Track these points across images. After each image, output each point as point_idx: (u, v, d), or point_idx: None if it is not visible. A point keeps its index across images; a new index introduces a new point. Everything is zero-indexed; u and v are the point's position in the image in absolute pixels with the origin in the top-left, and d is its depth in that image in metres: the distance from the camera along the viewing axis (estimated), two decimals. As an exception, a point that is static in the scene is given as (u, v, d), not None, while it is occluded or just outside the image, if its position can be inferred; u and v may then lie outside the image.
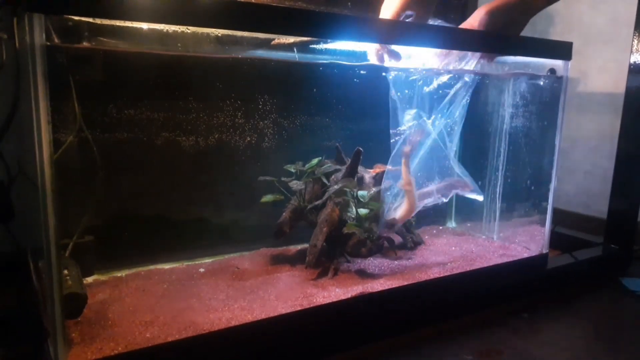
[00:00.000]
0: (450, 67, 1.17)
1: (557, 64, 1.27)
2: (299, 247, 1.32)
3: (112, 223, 1.13)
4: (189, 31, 0.92)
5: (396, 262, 1.21)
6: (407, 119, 1.16)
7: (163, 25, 0.85)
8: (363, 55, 1.12)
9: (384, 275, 1.13)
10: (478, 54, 1.15)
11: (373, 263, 1.19)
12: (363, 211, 1.15)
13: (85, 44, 0.92)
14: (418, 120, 1.16)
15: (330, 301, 0.98)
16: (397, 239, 1.34)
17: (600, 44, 1.78)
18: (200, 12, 0.78)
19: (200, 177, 1.24)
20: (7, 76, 0.99)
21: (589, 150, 1.85)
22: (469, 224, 1.58)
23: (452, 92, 1.20)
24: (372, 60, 1.07)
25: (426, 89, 1.18)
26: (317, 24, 0.90)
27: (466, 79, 1.21)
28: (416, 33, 1.03)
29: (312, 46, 1.12)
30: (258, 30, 0.89)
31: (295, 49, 1.10)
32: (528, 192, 1.39)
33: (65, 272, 0.85)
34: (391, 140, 1.16)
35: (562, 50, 1.24)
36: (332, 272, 1.12)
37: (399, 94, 1.16)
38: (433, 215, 1.62)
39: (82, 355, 0.76)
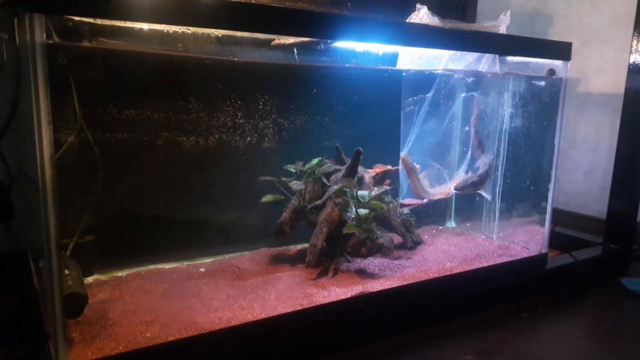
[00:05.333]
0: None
1: (557, 64, 1.27)
2: (299, 247, 1.32)
3: (112, 223, 1.13)
4: (189, 32, 0.92)
5: (396, 262, 1.21)
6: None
7: (163, 25, 0.85)
8: (361, 56, 1.12)
9: (384, 275, 1.13)
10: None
11: (373, 263, 1.19)
12: (363, 211, 1.15)
13: (85, 44, 0.92)
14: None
15: (330, 301, 0.98)
16: (397, 239, 1.34)
17: (600, 44, 1.78)
18: (201, 12, 0.79)
19: (200, 177, 1.24)
20: (8, 76, 0.99)
21: (588, 150, 1.85)
22: (468, 224, 1.58)
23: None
24: None
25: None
26: (317, 25, 0.90)
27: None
28: (417, 34, 1.03)
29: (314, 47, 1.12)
30: (258, 30, 0.89)
31: (295, 50, 1.10)
32: (527, 192, 1.39)
33: (66, 271, 0.85)
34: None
35: (562, 50, 1.24)
36: (332, 272, 1.13)
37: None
38: (433, 215, 1.62)
39: (83, 355, 0.76)
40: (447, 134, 1.35)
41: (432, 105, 1.20)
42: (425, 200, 1.23)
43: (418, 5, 1.13)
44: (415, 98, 1.18)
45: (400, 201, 1.18)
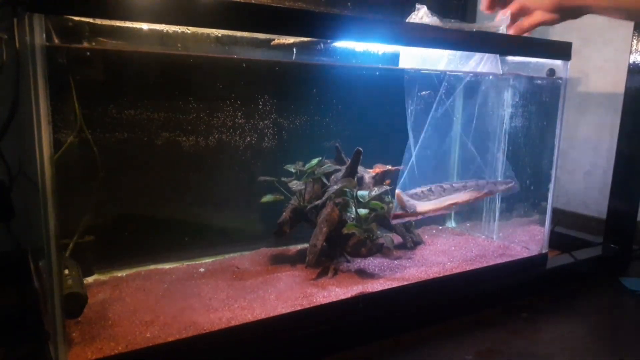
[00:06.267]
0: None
1: (557, 64, 1.27)
2: (299, 247, 1.32)
3: (112, 223, 1.13)
4: (189, 31, 0.92)
5: (396, 262, 1.21)
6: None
7: (163, 25, 0.85)
8: (361, 56, 1.12)
9: (384, 275, 1.13)
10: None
11: (373, 263, 1.19)
12: (363, 211, 1.15)
13: (85, 44, 0.92)
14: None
15: (330, 301, 0.98)
16: (397, 239, 1.34)
17: (600, 44, 1.78)
18: (201, 12, 0.79)
19: (200, 177, 1.24)
20: (7, 76, 0.99)
21: (588, 150, 1.85)
22: (468, 224, 1.58)
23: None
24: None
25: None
26: (317, 25, 0.90)
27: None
28: (417, 34, 1.03)
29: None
30: (258, 30, 0.89)
31: (294, 50, 1.10)
32: (527, 192, 1.39)
33: (66, 272, 0.85)
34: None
35: (562, 50, 1.24)
36: (332, 272, 1.13)
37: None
38: (433, 215, 1.62)
39: (83, 355, 0.76)
40: (452, 140, 1.35)
41: (438, 107, 1.20)
42: (419, 216, 1.19)
43: (417, 5, 1.13)
44: (414, 99, 1.17)
45: (393, 212, 1.15)
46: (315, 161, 1.22)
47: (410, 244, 1.34)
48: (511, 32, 1.12)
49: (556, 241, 1.43)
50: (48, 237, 0.72)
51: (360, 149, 1.17)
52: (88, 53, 1.01)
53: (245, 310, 0.93)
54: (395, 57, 1.21)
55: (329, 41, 1.06)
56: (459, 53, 1.16)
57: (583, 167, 1.87)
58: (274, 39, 1.07)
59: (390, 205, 1.29)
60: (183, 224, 1.23)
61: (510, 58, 1.26)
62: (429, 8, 1.13)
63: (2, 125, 1.02)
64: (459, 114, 1.37)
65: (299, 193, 1.22)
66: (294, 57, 1.06)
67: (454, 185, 1.26)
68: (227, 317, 0.89)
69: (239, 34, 0.98)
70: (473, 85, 1.30)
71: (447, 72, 1.19)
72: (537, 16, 1.07)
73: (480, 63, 1.18)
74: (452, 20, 1.12)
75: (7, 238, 1.12)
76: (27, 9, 0.67)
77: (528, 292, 1.28)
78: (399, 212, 1.14)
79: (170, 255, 1.21)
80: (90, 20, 0.80)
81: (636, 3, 0.89)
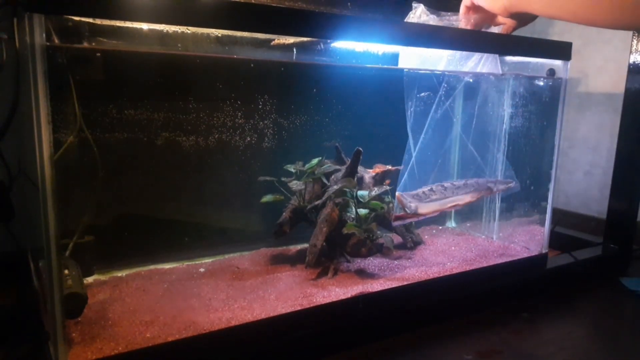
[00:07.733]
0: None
1: (557, 64, 1.27)
2: (299, 247, 1.32)
3: (112, 223, 1.13)
4: (189, 31, 0.92)
5: (396, 262, 1.21)
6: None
7: (163, 25, 0.86)
8: (361, 56, 1.12)
9: (383, 275, 1.13)
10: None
11: (373, 263, 1.19)
12: (363, 211, 1.15)
13: (85, 44, 0.92)
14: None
15: (330, 301, 0.98)
16: (397, 239, 1.34)
17: (600, 44, 1.78)
18: (201, 12, 0.79)
19: (200, 177, 1.24)
20: (7, 76, 0.99)
21: (588, 150, 1.85)
22: (468, 224, 1.58)
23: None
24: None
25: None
26: (317, 25, 0.90)
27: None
28: (417, 34, 1.03)
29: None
30: (258, 30, 0.89)
31: (294, 50, 1.10)
32: (527, 192, 1.39)
33: (66, 272, 0.85)
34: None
35: (562, 50, 1.24)
36: (332, 272, 1.13)
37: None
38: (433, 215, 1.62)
39: (83, 355, 0.76)
40: (452, 141, 1.35)
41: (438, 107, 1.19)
42: (421, 217, 1.19)
43: (414, 4, 1.13)
44: (414, 100, 1.17)
45: (395, 214, 1.15)
46: (315, 161, 1.22)
47: (410, 244, 1.34)
48: (462, 24, 1.12)
49: (556, 241, 1.43)
50: (48, 237, 0.72)
51: (360, 149, 1.17)
52: (88, 53, 1.01)
53: (245, 310, 0.93)
54: (395, 57, 1.21)
55: (329, 41, 1.06)
56: (458, 53, 1.16)
57: (583, 167, 1.87)
58: (273, 39, 1.07)
59: (390, 205, 1.29)
60: (183, 224, 1.23)
61: (510, 58, 1.26)
62: (425, 6, 1.13)
63: (2, 125, 1.02)
64: (458, 114, 1.37)
65: (299, 193, 1.22)
66: (294, 57, 1.06)
67: (454, 183, 1.26)
68: (227, 317, 0.89)
69: (238, 34, 0.98)
70: (473, 85, 1.31)
71: (447, 73, 1.19)
72: (499, 20, 1.09)
73: (479, 63, 1.18)
74: (449, 14, 1.12)
75: (7, 238, 1.12)
76: (27, 9, 0.67)
77: (528, 292, 1.28)
78: (400, 213, 1.14)
79: (170, 255, 1.21)
80: (90, 20, 0.80)
81: (573, 17, 0.89)
